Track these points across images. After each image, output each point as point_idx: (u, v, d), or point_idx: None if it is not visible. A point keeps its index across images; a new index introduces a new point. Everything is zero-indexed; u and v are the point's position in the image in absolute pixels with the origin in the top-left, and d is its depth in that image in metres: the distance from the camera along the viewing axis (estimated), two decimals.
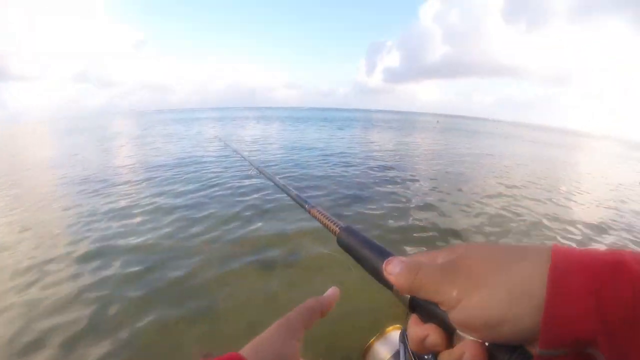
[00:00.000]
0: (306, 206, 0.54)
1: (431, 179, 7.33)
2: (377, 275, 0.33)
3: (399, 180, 6.94)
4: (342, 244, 0.41)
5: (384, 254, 0.34)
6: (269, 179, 0.83)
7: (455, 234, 4.19)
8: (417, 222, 4.52)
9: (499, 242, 0.29)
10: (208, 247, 3.64)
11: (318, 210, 0.49)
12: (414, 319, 0.31)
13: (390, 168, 8.38)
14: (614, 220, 5.26)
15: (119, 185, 6.40)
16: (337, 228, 0.43)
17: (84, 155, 10.87)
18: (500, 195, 6.19)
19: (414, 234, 4.15)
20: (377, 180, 6.81)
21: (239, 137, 16.37)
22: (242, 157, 1.18)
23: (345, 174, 7.37)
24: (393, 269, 0.31)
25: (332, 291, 0.39)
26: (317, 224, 0.48)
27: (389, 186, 6.36)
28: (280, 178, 0.74)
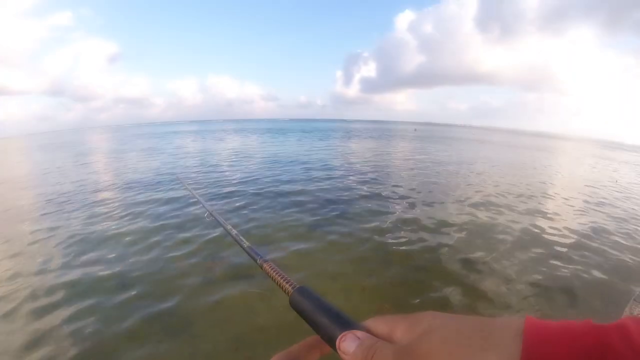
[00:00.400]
0: (258, 260, 0.50)
1: (412, 189, 7.47)
2: (333, 346, 0.31)
3: (381, 193, 7.01)
4: (295, 306, 0.38)
5: (341, 323, 0.32)
6: (221, 225, 0.75)
7: (437, 249, 4.20)
8: (401, 237, 4.52)
9: (468, 315, 0.25)
10: None
11: (271, 266, 0.46)
12: None
13: (372, 180, 8.48)
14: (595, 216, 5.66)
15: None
16: (291, 288, 0.40)
17: (56, 175, 10.28)
18: (480, 203, 6.37)
19: (396, 248, 4.17)
20: (359, 194, 6.84)
21: (217, 152, 16.03)
22: (201, 202, 1.10)
23: (327, 187, 7.38)
24: (347, 347, 0.29)
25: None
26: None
27: (373, 201, 6.40)
28: (234, 225, 0.68)
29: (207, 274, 3.46)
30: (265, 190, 6.98)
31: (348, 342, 0.29)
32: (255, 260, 0.51)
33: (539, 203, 6.69)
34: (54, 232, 4.88)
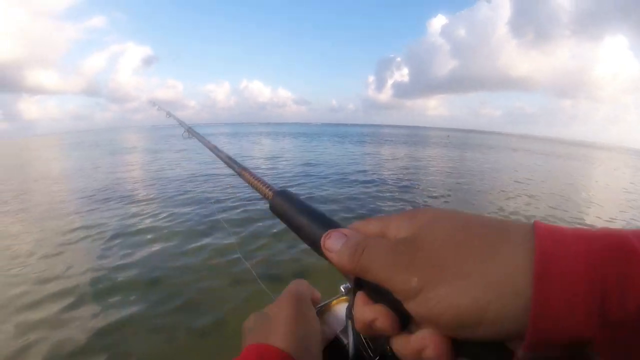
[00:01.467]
0: (236, 167, 0.50)
1: (449, 195, 7.54)
2: (317, 248, 0.28)
3: (418, 199, 7.14)
4: (275, 210, 0.36)
5: (326, 224, 0.29)
6: (199, 140, 0.84)
7: None
8: None
9: (470, 213, 0.23)
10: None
11: (250, 173, 0.45)
12: (361, 297, 0.25)
13: (411, 186, 8.58)
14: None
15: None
16: (271, 192, 0.38)
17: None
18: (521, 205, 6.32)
19: None
20: (397, 199, 7.00)
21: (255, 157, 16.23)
22: (177, 120, 1.08)
23: (366, 190, 7.59)
24: (332, 245, 0.26)
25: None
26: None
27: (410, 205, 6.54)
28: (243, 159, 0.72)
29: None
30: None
31: (333, 240, 0.26)
32: (234, 169, 0.51)
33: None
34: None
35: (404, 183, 9.05)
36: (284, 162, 12.93)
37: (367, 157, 15.68)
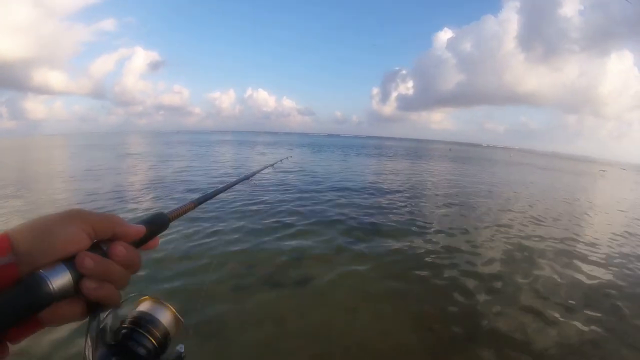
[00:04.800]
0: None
1: (447, 209, 7.84)
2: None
3: (417, 212, 7.24)
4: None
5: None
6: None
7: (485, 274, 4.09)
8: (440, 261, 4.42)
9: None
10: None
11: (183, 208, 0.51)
12: None
13: (412, 197, 8.92)
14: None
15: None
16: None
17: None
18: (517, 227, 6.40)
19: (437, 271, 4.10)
20: (399, 212, 7.12)
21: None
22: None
23: (371, 203, 7.92)
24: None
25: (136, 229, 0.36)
26: None
27: (410, 218, 6.61)
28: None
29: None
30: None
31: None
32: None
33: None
34: None
35: (410, 193, 9.40)
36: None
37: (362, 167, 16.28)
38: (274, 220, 5.74)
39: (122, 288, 0.33)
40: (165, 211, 0.44)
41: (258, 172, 1.50)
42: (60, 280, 0.27)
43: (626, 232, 6.89)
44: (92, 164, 15.01)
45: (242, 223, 5.45)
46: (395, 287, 3.61)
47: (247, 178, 1.21)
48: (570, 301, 3.54)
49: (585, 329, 3.02)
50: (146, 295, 0.43)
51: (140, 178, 10.59)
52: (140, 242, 0.37)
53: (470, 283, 3.80)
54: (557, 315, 3.21)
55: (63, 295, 0.28)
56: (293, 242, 4.71)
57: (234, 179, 1.01)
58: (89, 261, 0.29)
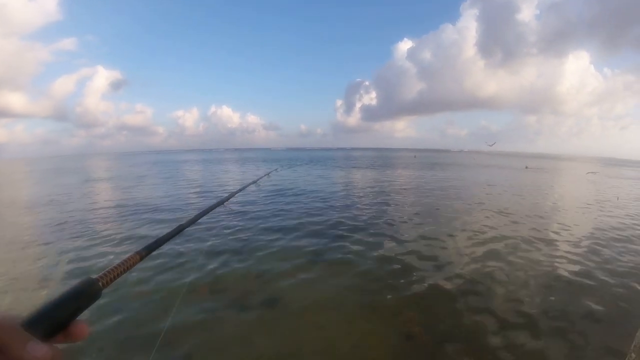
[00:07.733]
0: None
1: (416, 214, 7.80)
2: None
3: (388, 221, 7.23)
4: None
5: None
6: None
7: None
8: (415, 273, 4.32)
9: None
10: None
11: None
12: None
13: (379, 204, 8.86)
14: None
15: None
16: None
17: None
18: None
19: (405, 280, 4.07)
20: (371, 221, 7.16)
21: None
22: None
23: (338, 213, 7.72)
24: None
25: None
26: None
27: (382, 226, 6.67)
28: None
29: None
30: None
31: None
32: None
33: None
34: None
35: (378, 201, 9.26)
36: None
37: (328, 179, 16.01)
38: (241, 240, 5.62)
39: None
40: (94, 276, 0.40)
41: (207, 211, 1.38)
42: None
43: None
44: (53, 190, 13.76)
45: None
46: (365, 299, 3.59)
47: (205, 213, 1.26)
48: (540, 297, 3.68)
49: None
50: None
51: (104, 206, 9.49)
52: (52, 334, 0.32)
53: (445, 289, 3.85)
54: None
55: None
56: (259, 263, 4.62)
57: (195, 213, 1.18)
58: None
